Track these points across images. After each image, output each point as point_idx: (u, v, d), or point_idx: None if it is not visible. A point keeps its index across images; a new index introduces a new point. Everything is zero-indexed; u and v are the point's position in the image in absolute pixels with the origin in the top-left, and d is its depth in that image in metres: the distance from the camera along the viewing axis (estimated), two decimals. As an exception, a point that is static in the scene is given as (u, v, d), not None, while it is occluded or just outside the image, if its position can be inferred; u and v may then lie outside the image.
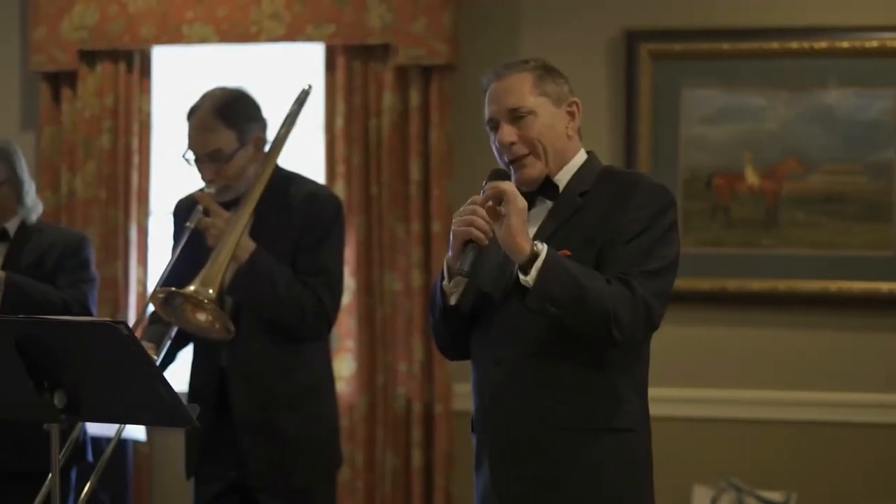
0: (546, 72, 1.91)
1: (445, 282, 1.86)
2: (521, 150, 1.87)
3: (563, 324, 1.78)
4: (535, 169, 1.88)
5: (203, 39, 3.60)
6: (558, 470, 1.82)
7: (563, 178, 1.91)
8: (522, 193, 1.84)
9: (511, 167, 1.89)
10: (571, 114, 1.93)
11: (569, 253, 1.81)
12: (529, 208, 1.86)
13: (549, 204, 1.90)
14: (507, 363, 1.85)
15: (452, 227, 1.82)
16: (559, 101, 1.91)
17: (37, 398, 1.86)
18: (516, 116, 1.87)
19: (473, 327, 1.92)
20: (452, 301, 1.85)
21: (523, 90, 1.88)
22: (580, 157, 1.95)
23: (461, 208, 1.84)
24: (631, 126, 3.47)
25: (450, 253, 1.85)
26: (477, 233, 1.79)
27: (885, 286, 3.39)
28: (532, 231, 1.86)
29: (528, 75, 1.89)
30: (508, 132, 1.87)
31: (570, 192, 1.89)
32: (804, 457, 3.43)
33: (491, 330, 1.88)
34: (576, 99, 1.94)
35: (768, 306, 3.45)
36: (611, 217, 1.84)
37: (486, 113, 1.91)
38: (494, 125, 1.90)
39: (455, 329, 1.93)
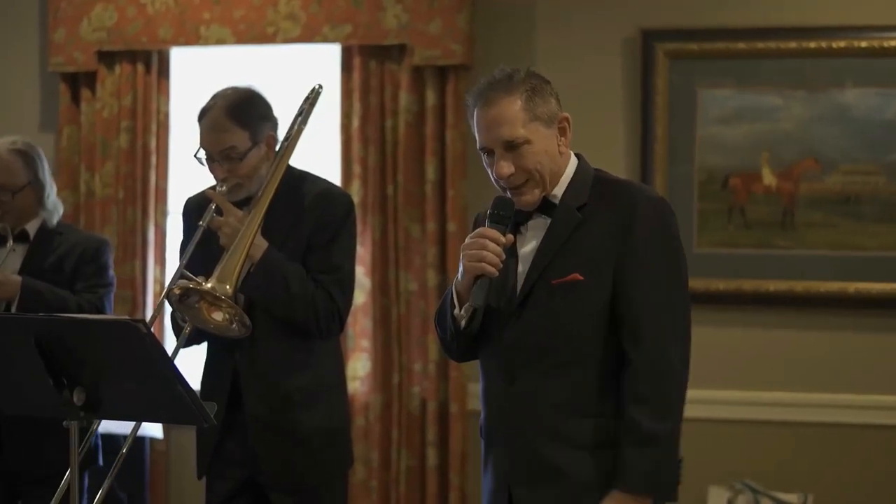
0: (534, 91, 1.85)
1: (457, 310, 1.88)
2: (518, 179, 1.86)
3: None
4: (534, 195, 1.88)
5: (220, 40, 3.62)
6: (578, 487, 1.83)
7: (558, 192, 1.90)
8: (521, 211, 1.87)
9: (508, 191, 1.89)
10: (562, 129, 1.90)
11: (581, 277, 1.83)
12: (526, 221, 1.89)
13: (545, 219, 1.89)
14: (521, 381, 1.86)
15: (463, 261, 1.84)
16: (550, 122, 1.86)
17: (56, 396, 1.87)
18: (511, 147, 1.84)
19: (481, 339, 1.94)
20: (463, 325, 1.88)
21: (515, 120, 1.82)
22: (571, 165, 1.93)
23: (468, 239, 1.85)
24: (647, 126, 3.46)
25: (458, 277, 1.87)
26: (489, 268, 1.81)
27: (903, 287, 3.37)
28: (531, 247, 1.88)
29: (517, 100, 1.83)
30: (505, 165, 1.84)
31: (567, 206, 1.88)
32: (821, 459, 3.41)
33: (500, 344, 1.89)
34: (566, 114, 1.90)
35: (785, 307, 3.43)
36: (618, 239, 1.84)
37: (478, 140, 1.88)
38: (488, 152, 1.88)
39: (465, 345, 1.96)
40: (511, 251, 1.88)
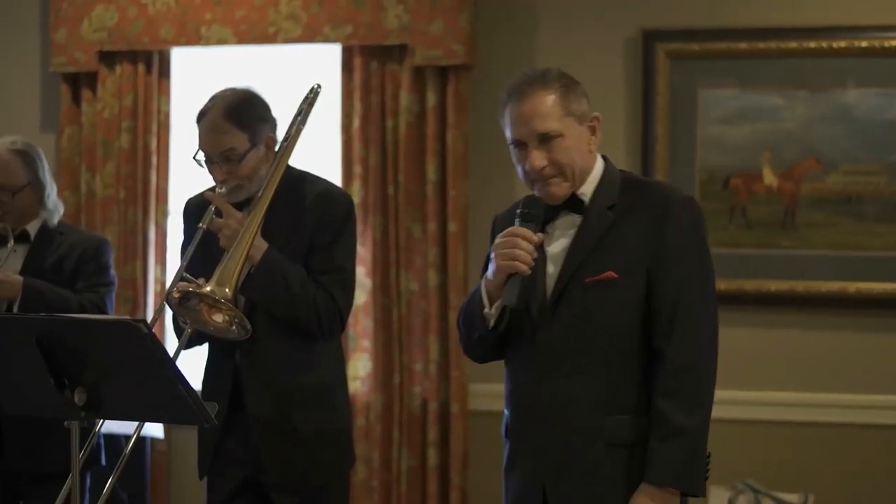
0: (568, 88, 1.90)
1: (487, 310, 1.89)
2: (549, 172, 1.89)
3: None
4: (562, 189, 1.90)
5: (221, 40, 3.63)
6: (616, 484, 1.85)
7: (587, 191, 1.93)
8: (547, 207, 1.89)
9: (536, 184, 1.91)
10: (592, 128, 1.93)
11: (615, 275, 1.85)
12: (553, 220, 1.91)
13: (574, 217, 1.92)
14: (554, 379, 1.87)
15: (496, 261, 1.86)
16: (582, 119, 1.91)
17: (58, 396, 1.88)
18: (544, 139, 1.87)
19: (510, 339, 1.95)
20: (492, 324, 1.90)
21: (550, 113, 1.87)
22: (598, 166, 1.96)
23: (499, 238, 1.87)
24: (648, 126, 3.47)
25: (488, 275, 1.89)
26: (522, 266, 1.83)
27: (904, 287, 3.37)
28: (562, 244, 1.90)
29: (552, 94, 1.87)
30: (538, 156, 1.87)
31: (598, 205, 1.91)
32: (822, 459, 3.41)
33: (529, 347, 1.91)
34: (597, 114, 1.94)
35: (786, 307, 3.43)
36: (651, 239, 1.86)
37: (511, 133, 1.90)
38: (521, 146, 1.90)
39: (491, 345, 1.97)
40: (538, 250, 1.89)
